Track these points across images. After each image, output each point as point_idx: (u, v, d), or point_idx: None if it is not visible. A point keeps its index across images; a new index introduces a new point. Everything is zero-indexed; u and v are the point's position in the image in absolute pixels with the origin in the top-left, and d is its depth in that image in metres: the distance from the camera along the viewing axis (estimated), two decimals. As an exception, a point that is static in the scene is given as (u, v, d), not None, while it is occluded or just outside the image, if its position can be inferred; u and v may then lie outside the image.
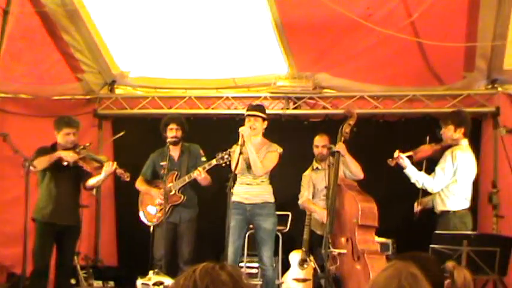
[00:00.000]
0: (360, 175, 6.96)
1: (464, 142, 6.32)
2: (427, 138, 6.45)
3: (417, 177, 6.28)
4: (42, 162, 6.52)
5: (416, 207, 6.55)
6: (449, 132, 6.31)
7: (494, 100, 7.74)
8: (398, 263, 2.38)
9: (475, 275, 5.77)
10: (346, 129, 6.71)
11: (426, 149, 6.41)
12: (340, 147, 6.71)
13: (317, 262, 7.13)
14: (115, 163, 6.80)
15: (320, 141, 7.26)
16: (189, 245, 7.10)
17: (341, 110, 7.97)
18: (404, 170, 6.29)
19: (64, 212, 6.71)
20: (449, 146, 6.29)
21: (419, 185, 6.32)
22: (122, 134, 7.59)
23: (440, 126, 6.39)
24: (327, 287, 6.34)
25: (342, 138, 6.70)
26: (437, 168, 6.25)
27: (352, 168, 6.93)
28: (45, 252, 6.63)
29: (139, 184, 7.37)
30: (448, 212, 6.22)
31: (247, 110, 6.85)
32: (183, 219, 7.14)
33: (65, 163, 6.64)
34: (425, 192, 6.47)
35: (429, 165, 6.42)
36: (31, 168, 6.24)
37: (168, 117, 7.33)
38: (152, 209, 7.25)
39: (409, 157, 6.31)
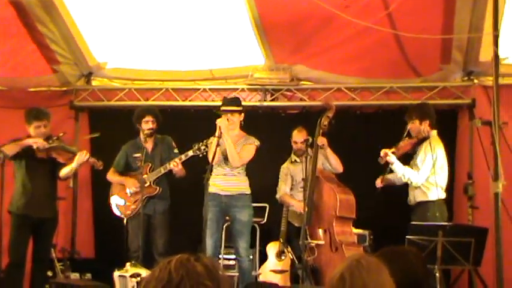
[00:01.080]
0: (340, 169, 7.00)
1: (434, 133, 6.48)
2: (404, 134, 6.52)
3: (403, 171, 6.41)
4: (12, 148, 6.48)
5: (380, 183, 6.60)
6: (415, 125, 6.46)
7: (470, 92, 7.80)
8: (356, 254, 2.43)
9: (450, 266, 5.87)
10: (325, 121, 6.73)
11: (406, 144, 6.53)
12: (322, 140, 6.74)
13: (294, 253, 7.16)
14: (87, 152, 6.76)
15: (299, 137, 7.24)
16: (163, 237, 7.10)
17: (318, 102, 8.02)
18: (392, 166, 6.37)
19: (39, 204, 6.67)
20: (423, 139, 6.40)
21: (404, 179, 6.44)
22: (97, 135, 7.51)
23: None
24: (305, 278, 6.37)
25: (321, 131, 6.73)
26: (419, 162, 6.38)
27: (332, 162, 6.96)
28: (20, 244, 6.60)
29: (112, 175, 7.33)
30: (427, 202, 6.34)
31: (222, 105, 6.84)
32: (157, 211, 7.14)
33: (38, 153, 6.59)
34: (391, 171, 6.56)
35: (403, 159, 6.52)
36: (1, 155, 6.19)
37: (143, 109, 7.29)
38: (121, 201, 7.21)
39: (392, 153, 6.40)
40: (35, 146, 6.56)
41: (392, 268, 2.41)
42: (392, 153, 6.40)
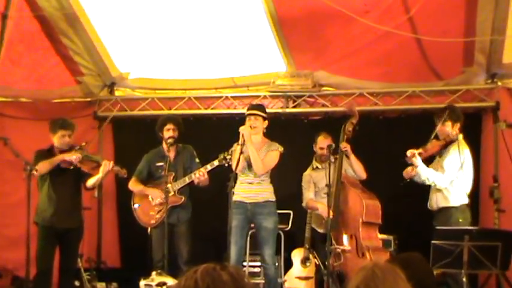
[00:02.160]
0: (363, 175, 6.97)
1: (460, 137, 6.36)
2: (432, 136, 6.41)
3: (427, 174, 6.26)
4: (44, 166, 6.54)
5: (409, 173, 6.38)
6: (447, 128, 6.33)
7: (493, 94, 7.73)
8: (370, 263, 2.40)
9: (477, 270, 5.81)
10: (349, 127, 6.73)
11: (434, 146, 6.38)
12: (347, 146, 6.73)
13: (320, 259, 7.14)
14: (112, 162, 6.80)
15: (325, 143, 7.17)
16: (187, 245, 7.08)
17: (341, 108, 8.01)
18: (416, 168, 6.27)
19: (64, 214, 6.72)
20: (451, 141, 6.31)
21: (428, 182, 6.29)
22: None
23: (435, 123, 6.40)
24: (331, 283, 6.35)
25: (345, 137, 6.71)
26: (446, 164, 6.25)
27: (356, 169, 6.94)
28: (47, 255, 6.65)
29: (134, 184, 7.31)
30: (449, 207, 6.22)
31: (248, 110, 6.86)
32: (181, 220, 7.13)
33: (63, 163, 6.66)
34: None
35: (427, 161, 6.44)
36: (34, 172, 6.25)
37: (165, 118, 7.31)
38: (143, 210, 7.22)
39: (419, 154, 6.30)
40: (75, 162, 6.62)
41: (411, 274, 2.40)
42: (419, 154, 6.28)
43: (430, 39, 6.76)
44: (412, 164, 6.33)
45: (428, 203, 6.45)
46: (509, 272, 5.87)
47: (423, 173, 6.27)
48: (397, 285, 2.26)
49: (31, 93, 8.47)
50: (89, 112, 8.84)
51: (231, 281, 1.90)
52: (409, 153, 6.23)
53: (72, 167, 6.68)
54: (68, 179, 6.75)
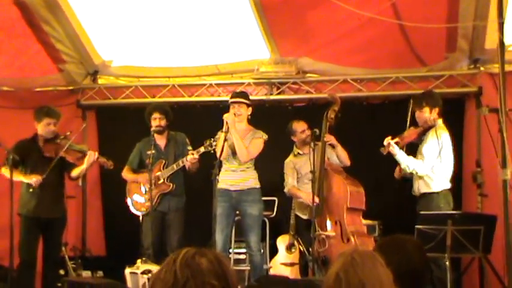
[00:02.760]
0: (348, 163, 7.00)
1: (440, 122, 6.35)
2: (407, 124, 6.45)
3: (407, 162, 6.27)
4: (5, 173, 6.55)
5: (398, 174, 6.55)
6: (425, 114, 6.33)
7: (476, 80, 7.77)
8: (347, 250, 2.36)
9: (460, 254, 5.86)
10: (331, 114, 6.72)
11: (411, 133, 6.39)
12: (330, 138, 6.74)
13: (304, 246, 7.17)
14: (96, 153, 6.79)
15: (299, 127, 7.21)
16: (177, 233, 7.09)
17: (325, 94, 7.98)
18: (395, 157, 6.29)
19: (48, 204, 6.69)
20: (429, 128, 6.32)
21: (408, 170, 6.29)
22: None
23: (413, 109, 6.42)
24: (316, 269, 6.38)
25: (328, 124, 6.71)
26: (424, 150, 6.25)
27: (340, 155, 6.96)
28: (31, 244, 6.63)
29: (126, 173, 7.35)
30: (430, 193, 6.24)
31: (231, 97, 6.86)
32: (172, 208, 7.14)
33: (46, 153, 6.64)
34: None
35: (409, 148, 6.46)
36: (10, 157, 6.24)
37: (152, 107, 7.31)
38: (140, 198, 7.24)
39: (396, 143, 6.31)
40: (35, 185, 6.61)
41: (390, 259, 2.40)
42: (396, 143, 6.26)
43: (413, 25, 6.76)
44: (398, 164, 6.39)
45: (412, 189, 6.48)
46: (491, 256, 5.91)
47: (402, 161, 6.28)
48: (376, 270, 2.26)
49: (13, 81, 8.40)
50: (72, 101, 8.79)
51: (211, 270, 1.88)
52: (385, 142, 6.25)
53: (56, 157, 6.66)
54: (51, 169, 6.71)
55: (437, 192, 6.23)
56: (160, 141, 7.18)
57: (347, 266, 2.23)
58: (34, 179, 6.55)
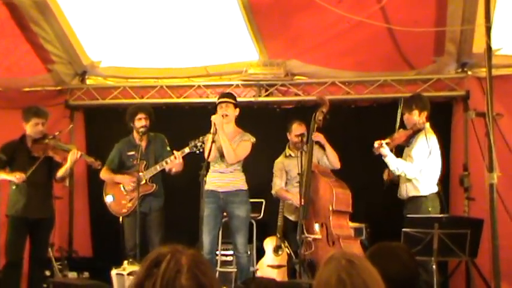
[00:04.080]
0: (337, 165, 7.02)
1: (427, 125, 6.36)
2: (397, 125, 6.47)
3: (396, 164, 6.27)
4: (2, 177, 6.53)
5: (387, 177, 6.57)
6: (414, 117, 6.35)
7: (464, 84, 7.80)
8: (336, 253, 2.34)
9: (446, 258, 5.89)
10: (319, 116, 6.72)
11: (401, 135, 6.40)
12: (319, 136, 6.75)
13: (291, 248, 7.17)
14: (79, 152, 6.76)
15: (299, 130, 7.18)
16: (159, 234, 7.07)
17: (313, 97, 8.02)
18: (385, 159, 6.30)
19: (36, 205, 6.68)
20: (418, 130, 6.33)
21: (397, 172, 6.29)
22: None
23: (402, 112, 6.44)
24: (302, 272, 6.38)
25: (315, 126, 6.72)
26: (414, 153, 6.26)
27: (330, 158, 6.98)
28: (18, 244, 6.61)
29: (106, 173, 7.26)
30: (419, 197, 6.25)
31: (219, 98, 6.87)
32: (153, 209, 7.11)
33: (34, 153, 6.63)
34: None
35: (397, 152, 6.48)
36: None
37: (136, 107, 7.27)
38: (114, 199, 7.19)
39: (386, 144, 6.32)
40: (17, 182, 6.58)
41: (385, 267, 2.41)
42: (387, 143, 6.32)
43: (401, 29, 6.79)
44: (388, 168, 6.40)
45: (398, 192, 6.49)
46: (478, 259, 5.94)
47: (392, 163, 6.28)
48: (374, 272, 2.26)
49: (1, 81, 8.36)
50: (60, 101, 8.77)
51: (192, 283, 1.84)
52: (376, 143, 6.25)
53: (43, 156, 6.64)
54: (39, 169, 6.69)
55: (426, 196, 6.23)
56: (142, 142, 7.13)
57: (348, 268, 2.23)
58: (17, 176, 6.52)
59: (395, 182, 6.54)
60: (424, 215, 6.03)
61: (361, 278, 2.21)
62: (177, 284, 1.79)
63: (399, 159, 6.33)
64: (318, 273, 2.33)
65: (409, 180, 6.30)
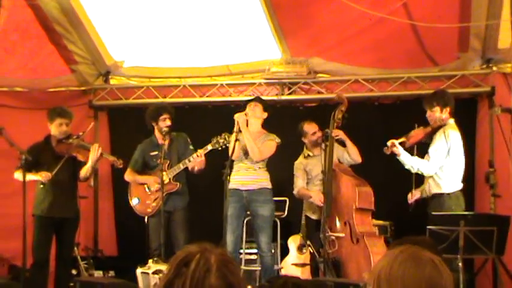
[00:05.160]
0: (359, 159, 6.98)
1: (451, 121, 6.26)
2: (416, 126, 6.41)
3: (411, 162, 6.20)
4: (19, 177, 6.56)
5: (411, 198, 6.49)
6: (436, 113, 6.24)
7: (489, 80, 7.72)
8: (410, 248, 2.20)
9: (473, 255, 5.82)
10: (339, 115, 6.68)
11: (418, 133, 6.33)
12: (339, 132, 6.72)
13: (315, 247, 7.15)
14: (100, 148, 6.78)
15: (311, 129, 7.19)
16: (183, 232, 7.08)
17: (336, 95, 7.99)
18: (399, 157, 6.25)
19: (61, 204, 6.72)
20: (439, 127, 6.25)
21: (413, 170, 6.23)
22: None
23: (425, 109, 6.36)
24: (326, 271, 6.36)
25: (335, 125, 6.69)
26: (431, 150, 6.18)
27: (352, 153, 6.94)
28: (44, 244, 6.66)
29: (130, 175, 7.28)
30: (442, 194, 6.16)
31: (248, 102, 6.89)
32: (177, 207, 7.12)
33: (58, 152, 6.67)
34: (418, 182, 6.42)
35: (420, 149, 6.39)
36: (23, 158, 6.27)
37: (159, 107, 7.25)
38: (139, 201, 7.22)
39: (401, 143, 6.26)
40: (43, 180, 6.63)
41: None
42: (402, 143, 6.23)
43: (425, 25, 6.75)
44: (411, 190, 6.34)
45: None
46: (505, 257, 5.87)
47: (406, 161, 6.20)
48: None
49: (26, 82, 8.45)
50: (84, 101, 8.84)
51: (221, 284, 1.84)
52: (389, 143, 6.20)
53: (67, 156, 6.69)
54: (64, 168, 6.73)
55: (448, 194, 6.15)
56: (164, 141, 7.16)
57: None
58: (43, 175, 6.58)
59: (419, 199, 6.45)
60: (448, 212, 5.96)
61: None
62: (206, 283, 1.79)
63: (415, 157, 6.25)
64: (385, 267, 2.13)
65: (432, 177, 6.22)
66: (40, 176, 6.59)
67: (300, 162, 7.31)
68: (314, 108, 8.44)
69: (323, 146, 6.67)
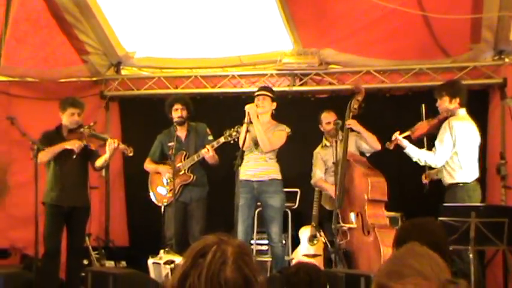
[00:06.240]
0: (378, 146, 6.92)
1: (462, 111, 6.22)
2: (422, 109, 6.41)
3: (418, 155, 6.24)
4: (45, 155, 6.57)
5: (424, 179, 6.53)
6: (444, 103, 6.23)
7: (501, 71, 7.69)
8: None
9: (484, 246, 5.82)
10: (355, 105, 6.71)
11: (423, 126, 6.34)
12: (352, 122, 6.72)
13: (327, 237, 7.16)
14: (117, 140, 6.81)
15: (327, 118, 7.20)
16: (199, 224, 7.11)
17: (347, 86, 8.00)
18: (405, 150, 6.26)
19: (71, 193, 6.74)
20: (445, 118, 6.24)
21: (421, 163, 6.28)
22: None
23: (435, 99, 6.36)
24: (338, 261, 6.38)
25: (351, 114, 6.71)
26: (436, 142, 6.19)
27: (368, 141, 6.92)
28: (55, 234, 6.68)
29: (148, 165, 7.40)
30: (456, 184, 6.16)
31: (257, 91, 6.89)
32: (193, 198, 7.16)
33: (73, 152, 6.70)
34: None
35: (430, 141, 6.40)
36: (34, 147, 6.30)
37: (173, 98, 7.33)
38: (162, 190, 7.28)
39: (407, 137, 6.28)
40: (77, 151, 6.65)
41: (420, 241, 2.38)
42: (407, 136, 6.25)
43: (437, 16, 6.72)
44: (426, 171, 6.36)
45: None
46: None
47: (413, 154, 6.24)
48: None
49: (37, 72, 8.46)
50: (96, 91, 8.86)
51: (238, 278, 1.84)
52: (393, 137, 6.22)
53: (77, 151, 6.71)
54: (75, 158, 6.76)
55: (462, 184, 6.14)
56: (181, 132, 7.21)
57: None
58: (76, 144, 6.62)
59: (435, 180, 6.47)
60: (459, 203, 5.96)
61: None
62: (221, 276, 1.79)
63: (421, 150, 6.28)
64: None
65: (444, 167, 6.22)
66: (71, 145, 6.62)
67: (317, 152, 7.32)
68: (325, 100, 8.43)
69: (339, 136, 6.68)
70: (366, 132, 6.88)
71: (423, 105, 6.46)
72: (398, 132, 6.28)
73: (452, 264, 5.68)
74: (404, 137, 6.30)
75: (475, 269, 5.38)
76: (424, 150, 6.27)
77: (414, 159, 6.29)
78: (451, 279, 1.96)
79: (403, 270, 2.06)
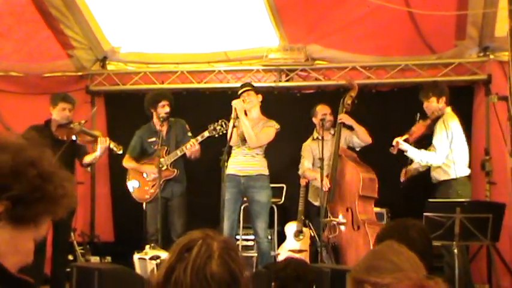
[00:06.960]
0: (368, 140, 7.00)
1: (448, 109, 6.43)
2: (417, 116, 6.51)
3: (420, 156, 6.38)
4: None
5: (403, 176, 6.60)
6: (432, 104, 6.44)
7: (485, 68, 7.74)
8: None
9: (468, 242, 5.87)
10: (348, 100, 6.79)
11: (419, 128, 6.49)
12: (344, 116, 6.76)
13: (315, 232, 7.18)
14: (107, 139, 6.80)
15: (322, 110, 7.18)
16: (181, 219, 7.11)
17: (333, 82, 8.02)
18: (406, 153, 6.35)
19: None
20: (438, 118, 6.36)
21: (423, 163, 6.42)
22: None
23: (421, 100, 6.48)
24: (325, 255, 6.41)
25: (344, 110, 6.76)
26: (435, 142, 6.33)
27: (360, 135, 6.97)
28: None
29: (128, 162, 7.34)
30: (449, 180, 6.32)
31: (239, 91, 6.88)
32: (175, 194, 7.16)
33: (58, 136, 6.66)
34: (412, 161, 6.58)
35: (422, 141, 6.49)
36: None
37: (157, 94, 7.29)
38: (137, 184, 7.24)
39: (405, 140, 6.37)
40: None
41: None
42: (406, 140, 6.36)
43: (422, 12, 6.75)
44: (404, 167, 6.56)
45: (430, 177, 6.53)
46: (500, 244, 5.91)
47: (415, 156, 6.39)
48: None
49: (22, 67, 8.40)
50: (81, 86, 8.79)
51: (222, 279, 1.84)
52: (394, 142, 6.31)
53: (68, 140, 6.68)
54: (63, 153, 6.72)
55: (455, 179, 6.30)
56: (162, 128, 7.17)
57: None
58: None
59: (415, 175, 6.58)
60: (453, 197, 6.05)
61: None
62: (207, 269, 1.80)
63: (422, 151, 6.38)
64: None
65: (439, 166, 6.34)
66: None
67: (307, 145, 7.33)
68: (312, 95, 8.43)
69: (331, 131, 6.73)
70: (357, 126, 6.93)
71: (418, 114, 6.55)
72: (398, 138, 6.37)
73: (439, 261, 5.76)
74: (403, 140, 6.40)
75: (460, 262, 5.43)
76: (424, 151, 6.42)
77: (416, 161, 6.44)
78: (429, 275, 2.00)
79: (383, 265, 2.10)
